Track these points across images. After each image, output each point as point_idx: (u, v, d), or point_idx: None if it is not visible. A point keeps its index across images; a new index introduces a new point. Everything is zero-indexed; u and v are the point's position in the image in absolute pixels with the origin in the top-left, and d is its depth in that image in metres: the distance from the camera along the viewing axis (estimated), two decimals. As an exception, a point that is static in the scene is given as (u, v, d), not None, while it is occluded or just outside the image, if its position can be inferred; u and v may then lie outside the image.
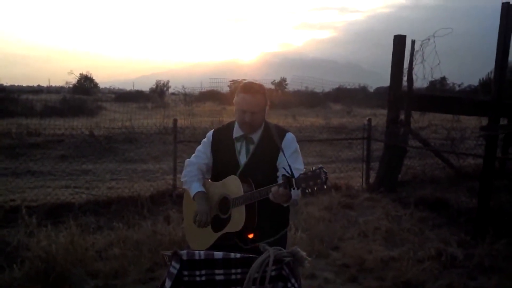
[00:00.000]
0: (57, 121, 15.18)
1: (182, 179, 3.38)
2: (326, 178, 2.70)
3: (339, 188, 9.37)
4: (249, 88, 3.15)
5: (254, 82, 3.27)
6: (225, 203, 3.14)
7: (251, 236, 3.07)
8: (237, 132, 3.25)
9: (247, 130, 3.18)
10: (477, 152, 9.32)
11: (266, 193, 2.89)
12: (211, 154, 3.33)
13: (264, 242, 3.00)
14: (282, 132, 3.23)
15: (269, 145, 3.17)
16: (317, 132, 15.56)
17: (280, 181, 3.02)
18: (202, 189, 3.23)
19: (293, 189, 2.79)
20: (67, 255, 4.99)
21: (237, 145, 3.23)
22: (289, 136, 3.22)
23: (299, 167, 3.04)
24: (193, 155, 3.41)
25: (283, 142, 3.16)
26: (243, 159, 3.20)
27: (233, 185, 3.09)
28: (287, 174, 2.79)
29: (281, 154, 3.11)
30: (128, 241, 5.95)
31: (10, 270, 4.87)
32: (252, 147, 3.20)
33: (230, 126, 3.33)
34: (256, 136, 3.21)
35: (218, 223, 3.16)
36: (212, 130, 3.44)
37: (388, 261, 5.72)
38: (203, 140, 3.40)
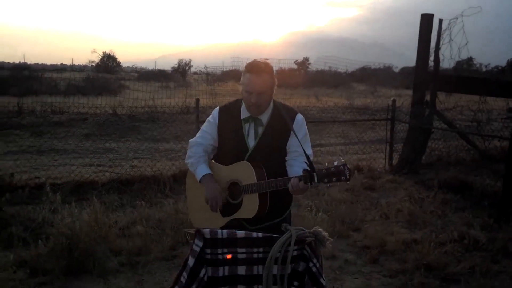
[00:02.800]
0: (80, 99, 15.31)
1: (186, 160, 3.26)
2: (350, 176, 2.72)
3: (362, 169, 9.34)
4: (255, 68, 2.99)
5: (261, 60, 3.09)
6: (235, 189, 3.09)
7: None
8: (244, 113, 3.13)
9: (254, 111, 3.07)
10: (504, 134, 9.15)
11: (284, 184, 2.86)
12: (217, 135, 3.21)
13: (271, 223, 3.04)
14: (292, 114, 3.12)
15: (279, 127, 3.07)
16: (340, 112, 15.42)
17: (291, 167, 3.03)
18: (209, 171, 3.14)
19: (313, 183, 2.77)
20: (91, 232, 5.07)
21: (245, 126, 3.12)
22: (299, 117, 3.13)
23: (309, 152, 2.97)
24: (198, 135, 3.28)
25: (294, 124, 3.07)
26: (251, 142, 3.09)
27: (245, 171, 3.02)
28: (308, 169, 2.77)
29: (291, 137, 3.04)
30: (151, 219, 6.04)
31: (35, 246, 4.96)
32: (261, 129, 3.10)
33: (237, 105, 3.20)
34: (265, 118, 3.10)
35: (227, 208, 3.12)
36: (218, 108, 3.28)
37: (409, 243, 5.71)
38: (209, 118, 3.27)
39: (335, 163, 2.72)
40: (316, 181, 2.74)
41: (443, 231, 6.12)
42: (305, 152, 2.85)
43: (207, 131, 3.24)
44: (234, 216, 3.08)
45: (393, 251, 5.53)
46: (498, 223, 6.38)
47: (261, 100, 3.00)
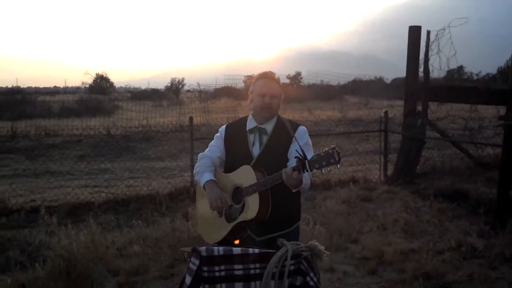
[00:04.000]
0: (74, 121, 15.33)
1: (194, 171, 3.38)
2: (339, 158, 2.70)
3: (357, 181, 9.35)
4: (268, 75, 3.25)
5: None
6: (238, 193, 3.14)
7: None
8: (250, 124, 3.28)
9: (265, 114, 3.20)
10: (496, 142, 9.20)
11: (280, 177, 2.88)
12: (224, 147, 3.35)
13: (278, 235, 3.03)
14: (294, 125, 3.27)
15: (282, 136, 3.19)
16: (333, 125, 15.45)
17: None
18: (212, 178, 3.22)
19: (306, 171, 2.79)
20: (88, 253, 5.05)
21: (251, 137, 3.25)
22: (302, 128, 3.27)
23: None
24: (206, 149, 3.42)
25: (296, 134, 3.17)
26: (256, 150, 3.21)
27: (246, 174, 3.08)
28: (300, 157, 2.80)
29: (293, 144, 3.12)
30: (148, 239, 6.02)
31: (33, 269, 4.94)
32: (265, 138, 3.22)
33: (243, 120, 3.37)
34: (269, 127, 3.24)
35: (231, 213, 3.16)
36: (225, 125, 3.46)
37: (407, 253, 5.72)
38: (216, 135, 3.43)
39: (325, 149, 2.74)
40: (308, 167, 2.76)
41: (440, 240, 6.14)
42: (300, 146, 2.88)
43: (215, 145, 3.39)
44: (238, 220, 3.10)
45: (391, 261, 5.53)
46: (494, 229, 6.40)
47: (274, 103, 3.20)
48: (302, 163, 2.78)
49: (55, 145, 14.14)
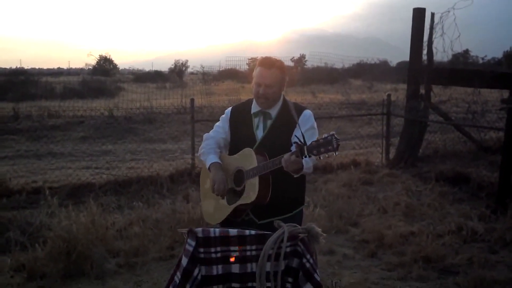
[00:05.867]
0: (77, 102, 15.32)
1: (199, 152, 3.39)
2: (338, 145, 2.67)
3: (359, 164, 9.32)
4: (266, 62, 3.17)
5: (274, 57, 3.26)
6: (239, 176, 3.14)
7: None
8: (255, 107, 3.27)
9: (261, 103, 3.20)
10: (499, 126, 9.15)
11: (279, 162, 2.87)
12: (229, 129, 3.36)
13: (280, 219, 3.00)
14: (300, 109, 3.24)
15: (287, 121, 3.17)
16: (336, 108, 15.40)
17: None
18: (218, 160, 3.24)
19: (305, 157, 2.79)
20: (88, 234, 5.05)
21: (255, 120, 3.25)
22: (307, 112, 3.23)
23: None
24: (212, 130, 3.43)
25: (301, 118, 3.15)
26: (260, 133, 3.22)
27: (247, 158, 3.09)
28: (299, 142, 2.78)
29: (296, 129, 3.09)
30: (148, 220, 6.02)
31: (33, 250, 4.95)
32: (269, 122, 3.22)
33: (249, 102, 3.36)
34: (274, 112, 3.22)
35: (232, 195, 3.17)
36: (231, 107, 3.46)
37: (407, 236, 5.71)
38: (222, 116, 3.43)
39: (324, 135, 2.72)
40: (306, 153, 2.75)
41: (440, 223, 6.11)
42: (302, 132, 2.87)
43: (219, 125, 3.41)
44: (238, 203, 3.11)
45: (391, 244, 5.53)
46: (495, 213, 6.37)
47: (269, 92, 3.14)
48: (300, 148, 2.77)
49: (57, 126, 14.14)
